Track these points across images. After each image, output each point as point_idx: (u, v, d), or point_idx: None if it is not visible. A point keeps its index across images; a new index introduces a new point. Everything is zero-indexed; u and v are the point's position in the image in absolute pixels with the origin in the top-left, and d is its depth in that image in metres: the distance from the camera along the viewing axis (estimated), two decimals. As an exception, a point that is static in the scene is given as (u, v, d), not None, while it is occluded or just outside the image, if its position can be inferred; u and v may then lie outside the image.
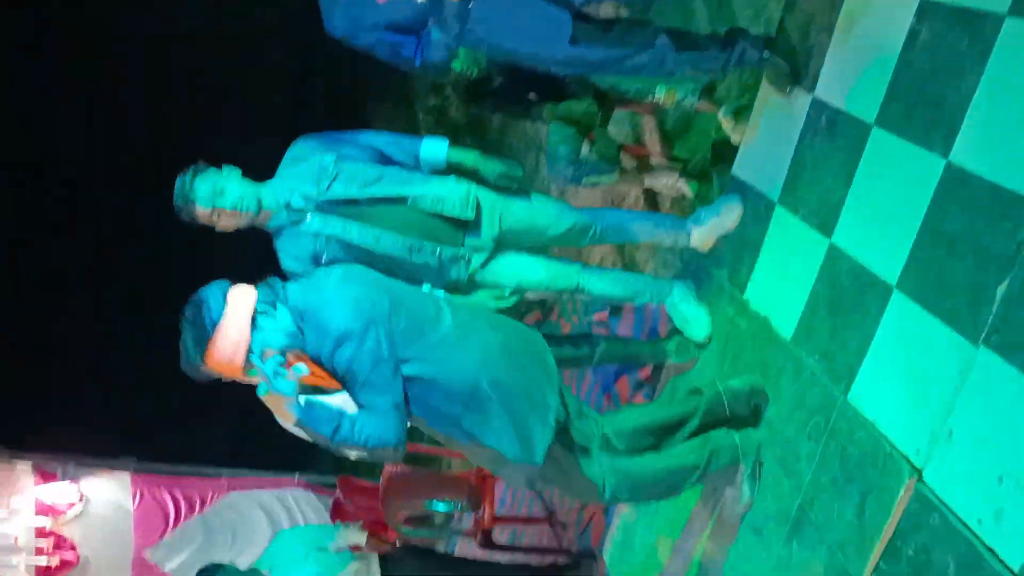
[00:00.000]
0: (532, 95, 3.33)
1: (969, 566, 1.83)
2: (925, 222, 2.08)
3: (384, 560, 3.68)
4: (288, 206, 2.70)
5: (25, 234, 6.68)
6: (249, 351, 2.16)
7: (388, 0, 2.53)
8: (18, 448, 5.96)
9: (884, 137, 2.26)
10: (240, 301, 2.19)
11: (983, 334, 1.88)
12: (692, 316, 3.08)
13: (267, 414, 2.99)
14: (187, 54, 7.16)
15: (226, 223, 2.68)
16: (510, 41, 2.61)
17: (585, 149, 3.37)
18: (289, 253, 2.75)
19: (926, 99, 2.12)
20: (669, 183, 3.46)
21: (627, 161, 3.66)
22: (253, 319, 2.18)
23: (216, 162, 2.72)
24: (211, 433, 7.03)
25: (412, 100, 8.24)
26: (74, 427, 6.30)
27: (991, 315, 1.86)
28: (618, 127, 4.14)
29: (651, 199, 3.83)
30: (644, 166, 3.59)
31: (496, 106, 3.66)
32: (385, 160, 2.79)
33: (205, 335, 2.16)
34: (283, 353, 2.17)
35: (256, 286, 2.28)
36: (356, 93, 8.42)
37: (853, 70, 2.42)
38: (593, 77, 3.17)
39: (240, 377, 2.22)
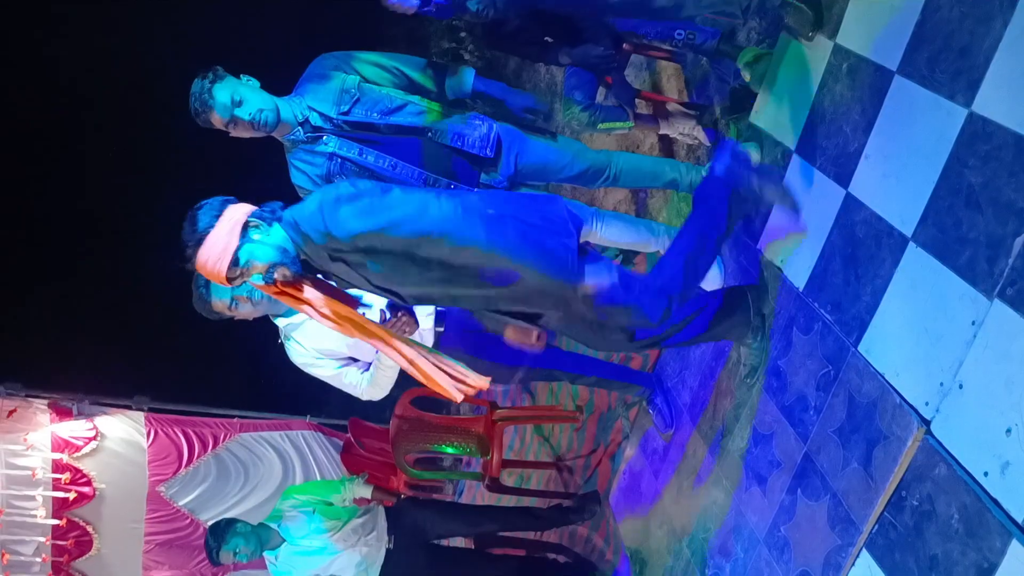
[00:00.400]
0: (548, 38, 3.28)
1: (973, 517, 1.84)
2: (944, 173, 2.05)
3: (390, 512, 3.74)
4: (306, 123, 2.68)
5: (40, 176, 6.68)
6: (235, 260, 2.16)
7: None
8: (34, 387, 6.04)
9: (906, 86, 2.22)
10: (235, 211, 2.21)
11: (998, 287, 1.86)
12: (705, 265, 3.07)
13: (279, 356, 3.03)
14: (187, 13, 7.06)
15: (241, 132, 2.66)
16: None
17: (601, 94, 3.32)
18: (301, 170, 2.74)
19: (951, 47, 2.07)
20: (686, 130, 3.42)
21: (643, 107, 3.61)
22: (245, 231, 2.18)
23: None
24: (224, 375, 7.09)
25: (425, 42, 8.13)
26: (89, 367, 6.36)
27: (1007, 268, 1.84)
28: (636, 72, 4.08)
29: (667, 146, 3.79)
30: (661, 112, 3.54)
31: (511, 49, 3.60)
32: (410, 84, 2.75)
33: (196, 236, 2.17)
34: (271, 268, 2.19)
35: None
36: (368, 35, 8.30)
37: (877, 16, 2.37)
38: (611, 20, 3.11)
39: (225, 284, 2.23)
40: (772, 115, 2.90)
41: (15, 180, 6.57)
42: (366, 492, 3.81)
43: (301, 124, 2.67)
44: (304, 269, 2.24)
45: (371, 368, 2.89)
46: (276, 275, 2.21)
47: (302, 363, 2.95)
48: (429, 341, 2.97)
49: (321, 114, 2.67)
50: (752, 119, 3.00)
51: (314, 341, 2.90)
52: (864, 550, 2.18)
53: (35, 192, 6.75)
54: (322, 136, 2.67)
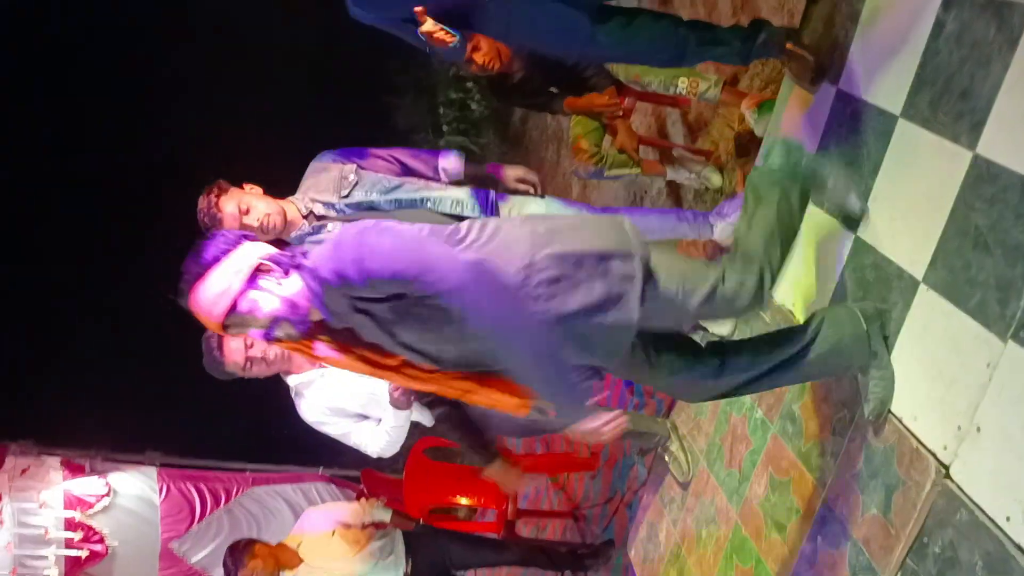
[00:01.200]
0: (553, 89, 3.32)
1: (997, 564, 1.80)
2: (952, 215, 2.05)
3: (408, 536, 3.73)
4: (311, 215, 2.73)
5: (51, 232, 6.76)
6: (234, 306, 1.86)
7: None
8: (47, 444, 6.04)
9: (910, 129, 2.23)
10: (247, 251, 1.91)
11: (1011, 329, 1.85)
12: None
13: (291, 409, 3.03)
14: (202, 44, 7.19)
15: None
16: (532, 42, 2.61)
17: (607, 142, 3.35)
18: None
19: (952, 90, 2.09)
20: (692, 175, 3.44)
21: (650, 153, 3.65)
22: (255, 276, 1.89)
23: (237, 168, 2.75)
24: (236, 428, 7.09)
25: (433, 93, 8.25)
26: (101, 423, 6.37)
27: (1019, 309, 1.83)
28: (641, 118, 4.13)
29: (674, 191, 3.81)
30: (667, 158, 3.57)
31: (517, 99, 3.65)
32: (406, 171, 2.81)
33: (197, 268, 1.88)
34: (273, 323, 1.88)
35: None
36: (377, 86, 8.43)
37: (878, 61, 2.39)
38: (614, 68, 3.16)
39: (218, 331, 1.94)
40: (778, 160, 2.91)
41: (24, 242, 6.67)
42: (385, 516, 3.78)
43: (306, 217, 2.73)
44: (321, 328, 1.95)
45: (382, 425, 2.88)
46: (278, 332, 1.92)
47: (313, 421, 2.95)
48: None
49: (323, 203, 2.72)
50: (758, 164, 3.02)
51: (325, 400, 2.90)
52: (888, 599, 2.14)
53: (45, 250, 6.83)
54: (326, 224, 2.72)
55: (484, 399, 2.04)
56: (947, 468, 1.99)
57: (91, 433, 6.21)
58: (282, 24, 7.78)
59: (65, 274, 6.91)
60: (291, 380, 2.94)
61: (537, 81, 3.31)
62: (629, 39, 2.57)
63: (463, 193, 2.75)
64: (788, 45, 2.65)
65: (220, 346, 2.74)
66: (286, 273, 1.91)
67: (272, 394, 3.13)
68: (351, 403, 2.90)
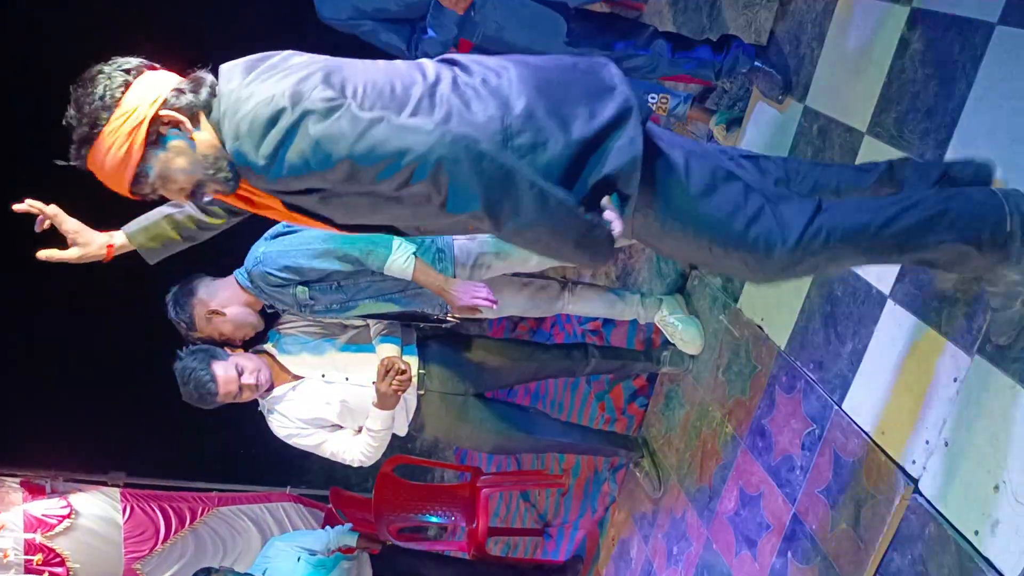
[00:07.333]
0: None
1: (966, 578, 1.81)
2: (918, 231, 2.07)
3: (375, 559, 3.67)
4: None
5: (14, 248, 6.65)
6: (140, 174, 1.53)
7: None
8: (6, 464, 5.91)
9: (876, 146, 2.26)
10: (141, 94, 1.51)
11: (977, 343, 1.87)
12: (682, 328, 3.07)
13: (257, 427, 2.98)
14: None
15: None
16: (507, 35, 2.60)
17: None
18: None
19: (917, 107, 2.12)
20: None
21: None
22: (159, 133, 1.52)
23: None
24: (202, 447, 6.98)
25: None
26: (63, 443, 6.24)
27: (985, 323, 1.85)
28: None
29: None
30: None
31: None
32: None
33: (84, 128, 1.50)
34: (196, 187, 1.56)
35: None
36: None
37: (844, 79, 2.42)
38: None
39: (125, 193, 1.57)
40: (746, 176, 2.93)
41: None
42: (351, 540, 3.72)
43: None
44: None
45: (364, 431, 2.83)
46: (207, 196, 1.58)
47: (286, 435, 2.88)
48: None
49: None
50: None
51: (298, 412, 2.83)
52: (858, 614, 2.14)
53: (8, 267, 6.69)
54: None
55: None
56: (916, 482, 2.00)
57: (53, 453, 6.08)
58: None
59: (27, 292, 6.78)
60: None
61: None
62: (606, 45, 2.58)
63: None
64: (756, 62, 2.68)
65: (215, 378, 2.67)
66: (195, 119, 1.53)
67: (238, 413, 3.08)
68: (325, 412, 2.84)
